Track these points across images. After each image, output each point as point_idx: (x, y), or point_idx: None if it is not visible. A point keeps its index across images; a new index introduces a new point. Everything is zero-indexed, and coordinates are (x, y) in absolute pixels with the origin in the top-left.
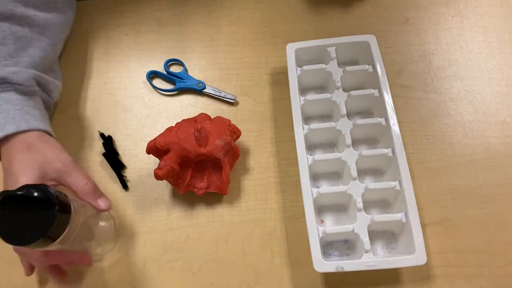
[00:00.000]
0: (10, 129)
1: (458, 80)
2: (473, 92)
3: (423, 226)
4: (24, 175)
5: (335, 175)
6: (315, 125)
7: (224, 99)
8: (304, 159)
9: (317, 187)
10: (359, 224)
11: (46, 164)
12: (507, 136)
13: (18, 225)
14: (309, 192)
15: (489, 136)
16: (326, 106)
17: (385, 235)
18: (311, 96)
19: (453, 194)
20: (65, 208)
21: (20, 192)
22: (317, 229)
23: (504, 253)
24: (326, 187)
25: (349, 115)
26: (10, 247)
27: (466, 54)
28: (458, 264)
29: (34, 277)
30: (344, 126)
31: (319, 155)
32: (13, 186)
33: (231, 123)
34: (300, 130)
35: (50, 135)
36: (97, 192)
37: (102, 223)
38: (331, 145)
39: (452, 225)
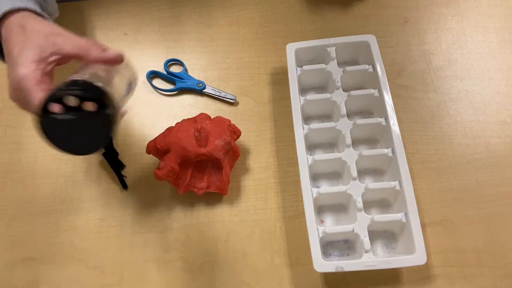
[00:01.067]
0: (5, 6)
1: (458, 80)
2: (473, 92)
3: (423, 226)
4: (23, 57)
5: (335, 175)
6: (315, 125)
7: (224, 99)
8: (304, 159)
9: (317, 187)
10: (359, 224)
11: (45, 40)
12: (507, 136)
13: (76, 133)
14: (309, 192)
15: (489, 136)
16: (326, 106)
17: (385, 235)
18: (311, 96)
19: (453, 194)
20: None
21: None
22: (317, 229)
23: (504, 253)
24: (326, 187)
25: (349, 115)
26: (9, 247)
27: (466, 54)
28: (458, 264)
29: (34, 277)
30: (344, 126)
31: (319, 155)
32: (14, 72)
33: (231, 123)
34: (300, 130)
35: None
36: (100, 46)
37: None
38: (331, 145)
39: (452, 225)
